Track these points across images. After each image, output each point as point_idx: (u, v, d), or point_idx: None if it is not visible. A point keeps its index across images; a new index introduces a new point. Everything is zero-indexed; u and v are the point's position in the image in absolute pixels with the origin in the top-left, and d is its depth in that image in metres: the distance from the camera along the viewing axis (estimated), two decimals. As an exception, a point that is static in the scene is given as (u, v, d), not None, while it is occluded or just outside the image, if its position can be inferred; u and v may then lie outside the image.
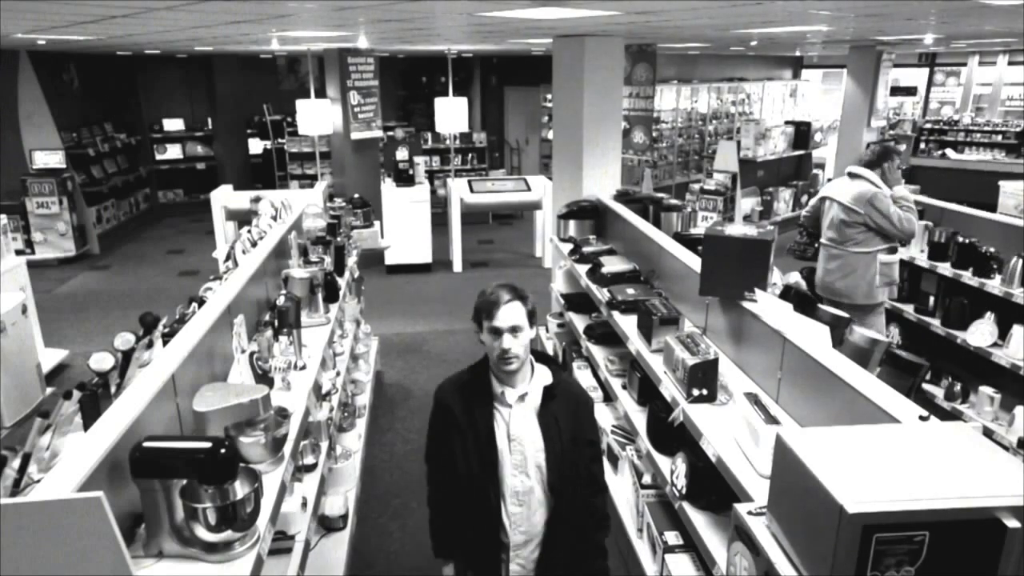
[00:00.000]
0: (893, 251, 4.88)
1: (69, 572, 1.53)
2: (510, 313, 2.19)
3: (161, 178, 12.88)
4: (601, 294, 4.34)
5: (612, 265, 4.57)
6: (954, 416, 4.91)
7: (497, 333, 2.20)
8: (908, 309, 5.46)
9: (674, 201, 5.80)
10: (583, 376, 4.81)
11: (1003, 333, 4.72)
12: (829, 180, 11.62)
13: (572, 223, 5.75)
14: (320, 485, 3.20)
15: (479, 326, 2.26)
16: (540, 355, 2.38)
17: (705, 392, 2.89)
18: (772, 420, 2.49)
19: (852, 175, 4.93)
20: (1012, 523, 1.45)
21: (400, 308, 7.75)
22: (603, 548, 2.46)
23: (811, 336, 2.70)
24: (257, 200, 5.12)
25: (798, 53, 14.86)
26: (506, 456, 2.27)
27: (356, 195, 7.57)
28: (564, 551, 2.34)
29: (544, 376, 2.32)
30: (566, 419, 2.30)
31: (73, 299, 8.22)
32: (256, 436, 2.32)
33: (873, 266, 4.78)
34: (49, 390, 5.38)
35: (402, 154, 8.94)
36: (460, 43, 9.25)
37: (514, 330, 2.19)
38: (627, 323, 3.85)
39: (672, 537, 3.13)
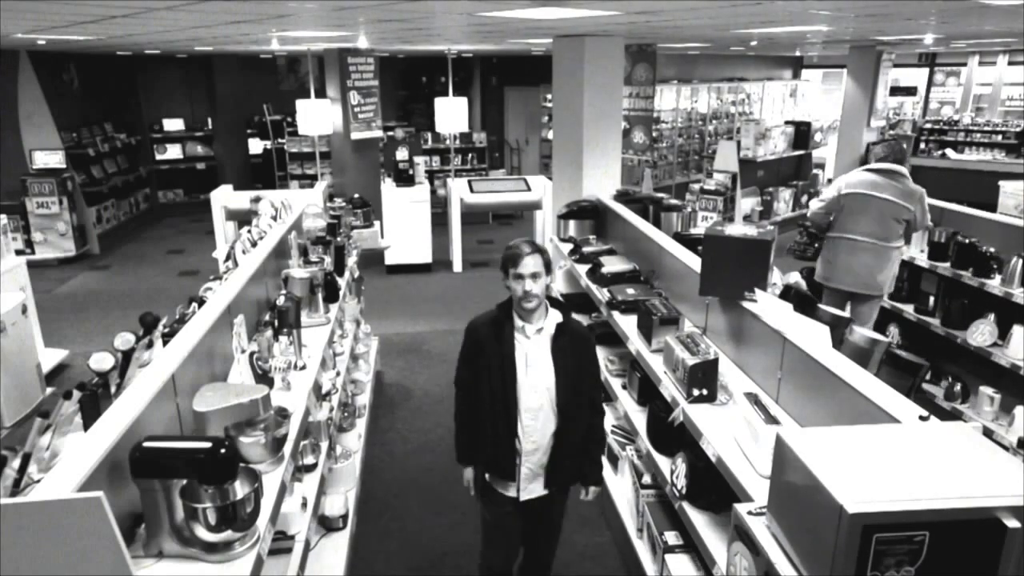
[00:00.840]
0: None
1: (69, 572, 1.53)
2: (531, 262, 2.68)
3: (161, 178, 12.88)
4: (601, 294, 4.34)
5: (612, 265, 4.58)
6: (954, 416, 4.91)
7: (520, 278, 2.68)
8: (908, 309, 5.46)
9: (674, 201, 5.80)
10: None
11: (1003, 333, 4.72)
12: (829, 180, 11.64)
13: (572, 223, 5.75)
14: (320, 485, 3.20)
15: (505, 273, 2.75)
16: (553, 300, 2.87)
17: (705, 392, 2.89)
18: (772, 420, 2.49)
19: (890, 172, 4.90)
20: (1012, 523, 1.45)
21: (400, 308, 7.75)
22: (599, 462, 3.04)
23: (811, 336, 2.70)
24: (257, 200, 5.12)
25: (798, 53, 14.85)
26: (523, 378, 2.77)
27: (356, 195, 7.57)
28: (567, 459, 2.86)
29: (556, 316, 2.81)
30: (573, 352, 2.80)
31: (73, 299, 8.22)
32: (256, 436, 2.32)
33: (899, 259, 5.08)
34: (49, 390, 5.37)
35: (402, 154, 8.94)
36: (460, 43, 9.25)
37: (534, 276, 2.68)
38: (627, 323, 3.85)
39: (672, 537, 3.13)
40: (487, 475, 2.94)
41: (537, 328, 2.78)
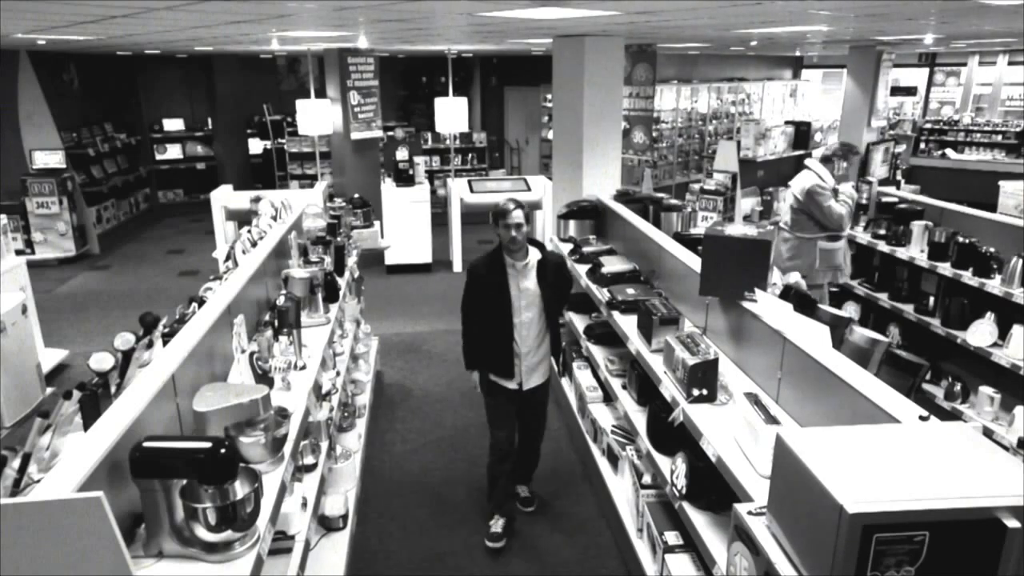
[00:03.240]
0: (835, 238, 5.36)
1: (69, 572, 1.53)
2: (517, 215, 3.56)
3: (161, 178, 12.87)
4: (601, 294, 4.34)
5: (612, 265, 4.58)
6: (954, 416, 4.91)
7: (508, 227, 3.55)
8: (908, 309, 5.46)
9: (674, 201, 5.80)
10: (583, 376, 4.82)
11: (1003, 333, 4.72)
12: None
13: (572, 223, 5.75)
14: (320, 485, 3.20)
15: (496, 224, 3.61)
16: (532, 241, 3.74)
17: (705, 392, 2.89)
18: (772, 420, 2.49)
19: (806, 167, 5.42)
20: (1012, 523, 1.45)
21: (400, 308, 7.75)
22: (560, 342, 4.02)
23: (811, 336, 2.70)
24: (257, 200, 5.12)
25: (798, 53, 14.86)
26: (517, 300, 3.66)
27: (356, 195, 7.57)
28: (555, 341, 3.88)
29: (536, 253, 3.71)
30: (551, 277, 3.72)
31: (73, 299, 8.22)
32: (256, 436, 2.32)
33: (814, 251, 5.34)
34: (49, 390, 5.37)
35: (402, 154, 8.94)
36: (460, 43, 9.25)
37: (519, 226, 3.56)
38: (627, 323, 3.85)
39: (672, 537, 3.13)
40: (491, 375, 3.79)
41: (524, 263, 3.66)
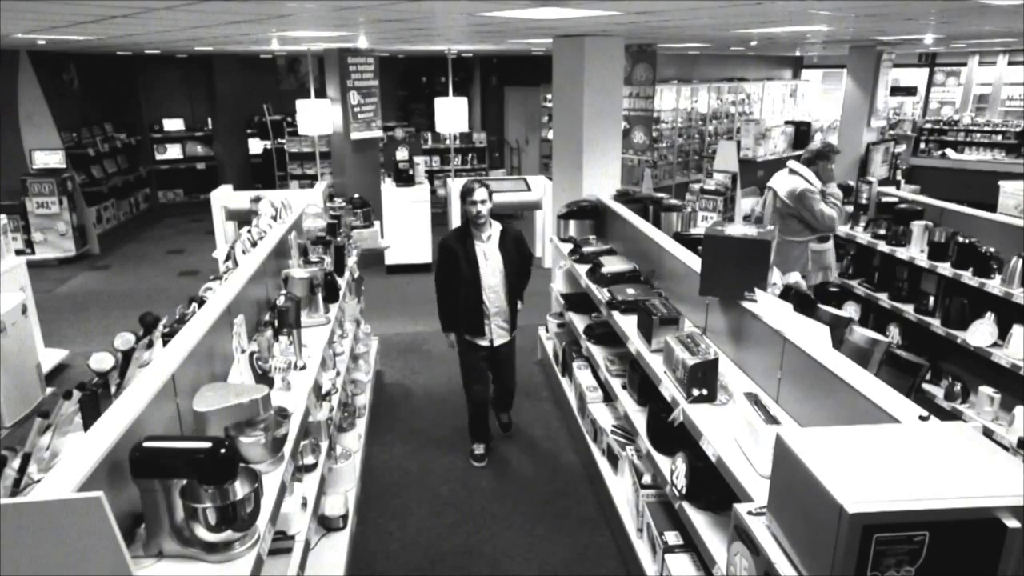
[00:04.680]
0: (824, 239, 5.40)
1: (69, 572, 1.53)
2: (480, 193, 4.23)
3: (161, 178, 12.87)
4: (601, 294, 4.34)
5: (612, 265, 4.57)
6: (954, 416, 4.91)
7: (474, 203, 4.22)
8: (908, 309, 5.46)
9: (674, 201, 5.80)
10: (583, 376, 4.82)
11: (1003, 333, 4.72)
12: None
13: (572, 223, 5.75)
14: (320, 485, 3.20)
15: (463, 201, 4.26)
16: (496, 216, 4.39)
17: (705, 392, 2.89)
18: (772, 420, 2.49)
19: (791, 171, 5.37)
20: (1012, 523, 1.45)
21: (400, 308, 7.75)
22: (521, 298, 4.66)
23: (811, 336, 2.70)
24: (257, 200, 5.12)
25: (798, 53, 14.85)
26: (484, 268, 4.33)
27: (356, 195, 7.57)
28: (514, 314, 4.55)
29: (498, 226, 4.39)
30: (513, 247, 4.41)
31: (73, 299, 8.22)
32: (256, 436, 2.32)
33: (805, 254, 5.36)
34: (49, 390, 5.37)
35: (402, 154, 8.93)
36: (460, 43, 9.25)
37: (482, 202, 4.23)
38: (627, 323, 3.85)
39: (672, 537, 3.13)
40: (466, 336, 4.49)
41: (487, 235, 4.33)
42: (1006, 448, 3.61)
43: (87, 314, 7.62)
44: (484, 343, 4.48)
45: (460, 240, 4.31)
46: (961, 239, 5.06)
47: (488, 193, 4.23)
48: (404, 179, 8.96)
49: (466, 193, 4.21)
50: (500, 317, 4.44)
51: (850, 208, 6.14)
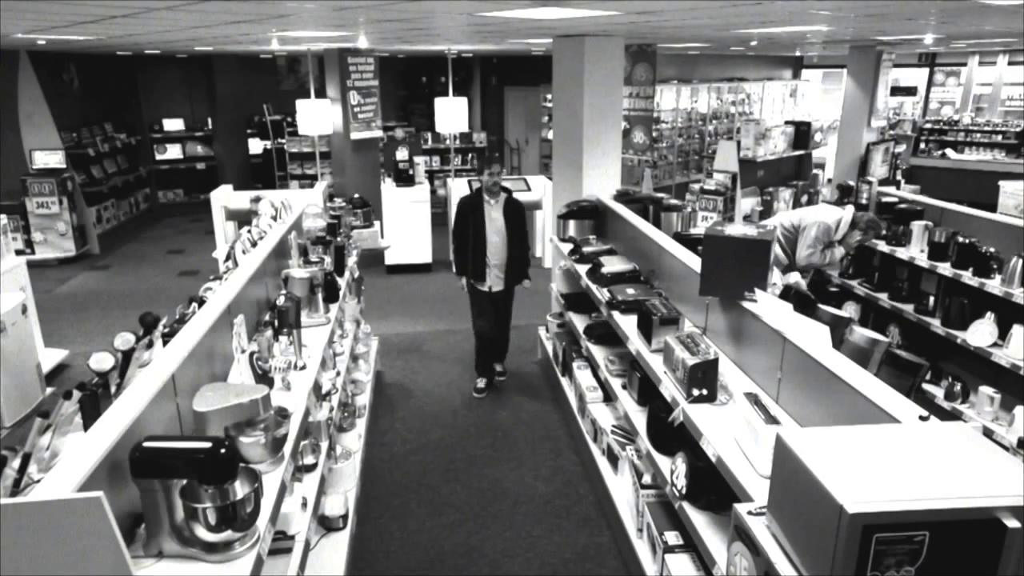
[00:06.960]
0: (790, 271, 5.41)
1: (69, 572, 1.53)
2: (496, 168, 5.31)
3: (161, 178, 12.86)
4: (601, 294, 4.34)
5: (612, 265, 4.57)
6: (954, 416, 4.91)
7: (491, 175, 5.29)
8: (908, 309, 5.46)
9: (674, 201, 5.80)
10: (583, 376, 4.82)
11: (1003, 333, 4.72)
12: (829, 180, 11.66)
13: (572, 223, 5.75)
14: (320, 485, 3.20)
15: (481, 172, 5.38)
16: (504, 188, 5.40)
17: (705, 392, 2.89)
18: (772, 420, 2.49)
19: (829, 204, 5.59)
20: (1012, 523, 1.45)
21: (400, 308, 7.75)
22: (526, 273, 5.59)
23: (811, 336, 2.70)
24: (257, 200, 5.12)
25: (798, 53, 14.84)
26: (490, 227, 5.35)
27: (356, 195, 7.56)
28: (510, 269, 5.47)
29: (504, 195, 5.38)
30: (514, 213, 5.40)
31: (73, 299, 8.22)
32: (256, 436, 2.32)
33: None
34: (49, 390, 5.37)
35: (402, 154, 8.93)
36: (460, 43, 9.25)
37: (498, 174, 5.30)
38: (627, 323, 3.85)
39: (672, 537, 3.13)
40: (472, 281, 5.47)
41: (495, 201, 5.35)
42: (1006, 448, 3.61)
43: (87, 314, 7.62)
44: (484, 288, 5.46)
45: (474, 202, 5.36)
46: (961, 239, 5.06)
47: (500, 170, 5.35)
48: (404, 179, 8.96)
49: (486, 166, 5.34)
50: (498, 268, 5.40)
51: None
